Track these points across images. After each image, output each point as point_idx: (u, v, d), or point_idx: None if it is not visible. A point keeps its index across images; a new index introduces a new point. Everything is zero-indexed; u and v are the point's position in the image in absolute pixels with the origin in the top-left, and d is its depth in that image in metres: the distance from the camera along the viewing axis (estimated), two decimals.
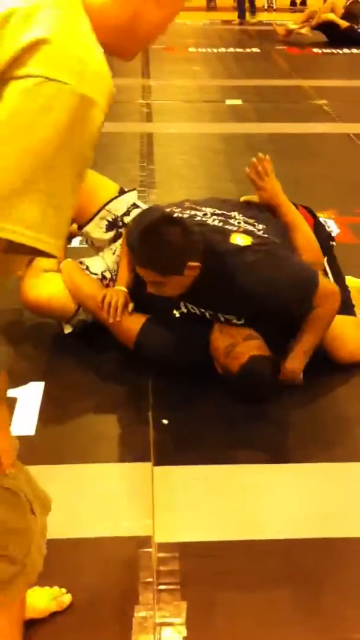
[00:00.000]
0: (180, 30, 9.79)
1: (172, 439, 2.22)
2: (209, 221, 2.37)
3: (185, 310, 2.42)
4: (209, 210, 2.47)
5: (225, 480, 2.06)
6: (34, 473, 1.78)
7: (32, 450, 2.14)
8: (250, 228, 2.39)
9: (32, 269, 2.64)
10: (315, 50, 8.79)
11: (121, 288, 2.51)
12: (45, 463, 2.08)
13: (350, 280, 2.80)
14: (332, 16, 8.85)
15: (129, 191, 2.80)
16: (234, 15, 11.03)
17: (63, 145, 0.92)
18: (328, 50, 8.76)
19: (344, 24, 8.77)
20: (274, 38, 9.37)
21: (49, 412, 2.31)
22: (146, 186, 4.25)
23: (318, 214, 2.84)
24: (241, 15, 10.90)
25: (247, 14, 11.10)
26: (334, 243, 2.78)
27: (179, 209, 2.48)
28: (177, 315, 2.43)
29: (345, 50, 8.67)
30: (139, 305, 2.49)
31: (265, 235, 2.37)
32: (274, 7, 12.73)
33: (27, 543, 1.25)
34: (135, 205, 2.74)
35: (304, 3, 12.44)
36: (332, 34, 8.94)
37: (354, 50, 8.68)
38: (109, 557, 1.81)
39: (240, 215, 2.47)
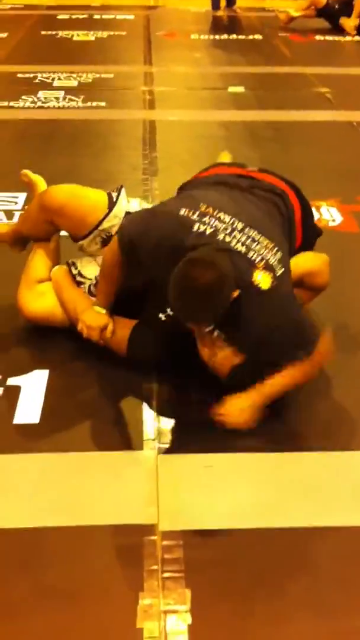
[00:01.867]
0: (182, 17, 9.74)
1: (177, 426, 2.22)
2: (233, 243, 2.21)
3: (171, 314, 2.33)
4: (227, 218, 2.27)
5: (230, 468, 2.07)
6: (39, 461, 1.79)
7: (37, 439, 2.16)
8: (269, 258, 2.23)
9: (25, 279, 2.64)
10: (318, 37, 8.72)
11: (99, 310, 2.43)
12: (49, 451, 2.09)
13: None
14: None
15: (117, 195, 2.61)
16: (240, 2, 10.86)
17: None
18: (331, 38, 8.69)
19: None
20: (276, 25, 9.29)
21: (54, 400, 2.31)
22: (149, 174, 4.23)
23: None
24: (215, 7, 10.33)
25: (223, 7, 10.49)
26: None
27: (196, 216, 2.25)
28: (163, 318, 2.37)
29: (349, 38, 8.61)
30: (125, 312, 2.47)
31: (282, 271, 2.24)
32: None
33: None
34: (128, 213, 2.62)
35: None
36: (335, 21, 8.88)
37: (357, 38, 8.62)
38: (114, 545, 1.81)
39: (253, 230, 2.28)
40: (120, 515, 1.89)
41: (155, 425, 2.21)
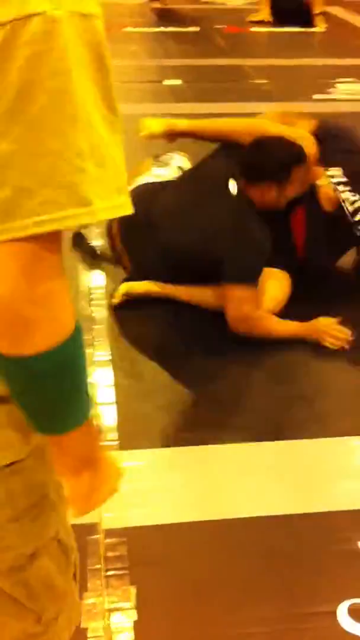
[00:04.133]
0: (116, 10, 9.66)
1: (119, 424, 2.21)
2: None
3: None
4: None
5: (172, 463, 2.07)
6: None
7: None
8: None
9: None
10: (254, 29, 8.77)
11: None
12: None
13: None
14: None
15: None
16: None
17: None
18: (267, 30, 8.74)
19: None
20: (212, 17, 9.30)
21: None
22: None
23: None
24: None
25: None
26: None
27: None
28: None
29: (285, 29, 8.68)
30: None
31: None
32: None
33: (60, 607, 1.09)
34: None
35: None
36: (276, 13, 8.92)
37: (293, 29, 8.69)
38: None
39: None
40: None
41: (96, 422, 2.19)
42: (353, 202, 2.80)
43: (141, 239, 2.77)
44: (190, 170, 3.03)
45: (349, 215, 2.77)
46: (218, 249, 2.59)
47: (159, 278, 2.77)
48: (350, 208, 2.80)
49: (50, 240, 0.81)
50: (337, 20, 9.52)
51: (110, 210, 0.81)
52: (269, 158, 2.62)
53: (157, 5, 10.04)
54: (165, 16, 9.61)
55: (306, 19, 8.81)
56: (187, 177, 2.95)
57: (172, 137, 2.96)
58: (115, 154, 0.82)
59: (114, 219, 2.60)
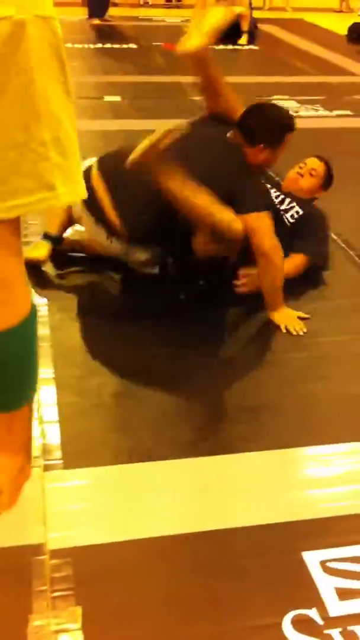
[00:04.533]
0: None
1: (63, 442, 2.19)
2: None
3: None
4: None
5: (117, 480, 2.06)
6: None
7: None
8: None
9: None
10: None
11: None
12: None
13: None
14: None
15: None
16: (112, 11, 10.92)
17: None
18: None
19: None
20: (151, 34, 9.39)
21: None
22: None
23: None
24: (94, 15, 10.22)
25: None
26: None
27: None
28: None
29: (221, 47, 8.80)
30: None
31: None
32: (149, 3, 12.76)
33: None
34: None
35: None
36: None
37: (230, 47, 8.82)
38: (0, 568, 1.77)
39: None
40: (6, 537, 1.84)
41: (40, 441, 2.17)
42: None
43: (130, 182, 2.74)
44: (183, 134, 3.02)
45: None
46: (228, 185, 2.73)
47: (153, 228, 2.83)
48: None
49: (14, 224, 0.85)
50: (273, 39, 9.72)
51: (71, 194, 0.86)
52: (266, 122, 2.85)
53: (97, 22, 10.09)
54: (104, 33, 9.66)
55: (239, 36, 8.97)
56: (182, 136, 2.90)
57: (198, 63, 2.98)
58: (75, 144, 0.87)
59: (93, 167, 2.80)
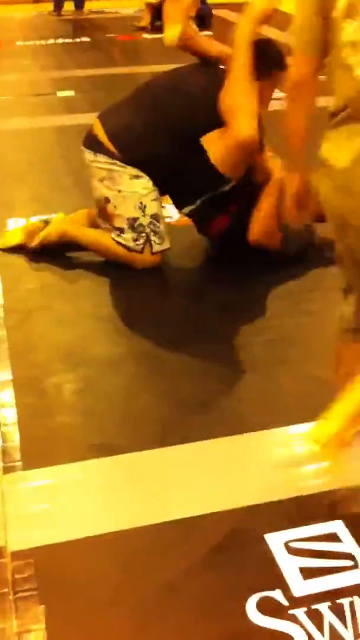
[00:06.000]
0: (6, 24, 9.56)
1: (22, 442, 2.18)
2: None
3: None
4: None
5: (74, 479, 2.05)
6: None
7: None
8: None
9: None
10: (146, 35, 8.83)
11: None
12: None
13: None
14: None
15: None
16: (65, 5, 10.79)
17: None
18: (158, 35, 8.80)
19: None
20: (104, 26, 9.32)
21: None
22: None
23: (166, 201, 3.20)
24: (57, 8, 10.36)
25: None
26: None
27: None
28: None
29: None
30: None
31: None
32: None
33: None
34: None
35: None
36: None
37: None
38: None
39: None
40: None
41: None
42: None
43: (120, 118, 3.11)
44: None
45: None
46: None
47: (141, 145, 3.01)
48: None
49: None
50: (228, 24, 9.65)
51: None
52: (256, 54, 2.91)
53: (54, 15, 10.00)
54: (57, 28, 9.57)
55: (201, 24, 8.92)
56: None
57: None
58: None
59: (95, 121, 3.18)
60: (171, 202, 3.30)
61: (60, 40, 8.60)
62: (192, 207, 3.11)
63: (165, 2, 3.00)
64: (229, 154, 2.92)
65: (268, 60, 2.97)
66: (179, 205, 3.20)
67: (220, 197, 3.08)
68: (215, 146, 2.92)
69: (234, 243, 3.21)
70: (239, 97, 2.86)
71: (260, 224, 3.09)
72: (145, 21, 9.01)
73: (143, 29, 8.97)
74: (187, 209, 3.13)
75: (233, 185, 3.05)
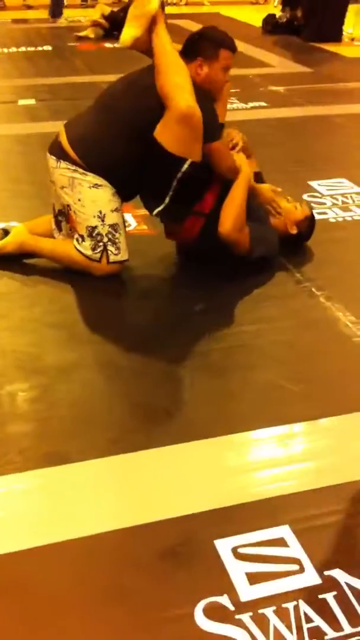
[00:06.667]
0: None
1: None
2: None
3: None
4: None
5: (32, 487, 2.06)
6: None
7: None
8: None
9: None
10: (107, 45, 8.85)
11: None
12: None
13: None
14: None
15: None
16: (24, 14, 10.84)
17: None
18: (120, 45, 8.83)
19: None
20: (66, 35, 9.32)
21: None
22: None
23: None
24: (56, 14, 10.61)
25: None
26: None
27: None
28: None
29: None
30: None
31: None
32: (65, 4, 12.64)
33: None
34: None
35: None
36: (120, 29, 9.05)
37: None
38: None
39: None
40: None
41: None
42: None
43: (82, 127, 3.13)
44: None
45: None
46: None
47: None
48: None
49: None
50: (187, 34, 9.70)
51: None
52: (202, 37, 3.09)
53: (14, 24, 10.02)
54: (18, 36, 9.56)
55: None
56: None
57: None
58: None
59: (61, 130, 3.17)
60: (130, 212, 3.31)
61: (22, 49, 8.59)
62: (162, 206, 3.10)
63: (132, 5, 3.01)
64: (173, 131, 2.91)
65: (213, 41, 3.05)
66: (149, 208, 3.19)
67: (188, 193, 3.09)
68: (164, 132, 2.92)
69: (202, 251, 3.24)
70: (171, 77, 2.90)
71: (230, 216, 3.11)
72: (89, 33, 9.15)
73: (84, 39, 9.11)
74: (157, 210, 3.12)
75: (199, 179, 3.07)
